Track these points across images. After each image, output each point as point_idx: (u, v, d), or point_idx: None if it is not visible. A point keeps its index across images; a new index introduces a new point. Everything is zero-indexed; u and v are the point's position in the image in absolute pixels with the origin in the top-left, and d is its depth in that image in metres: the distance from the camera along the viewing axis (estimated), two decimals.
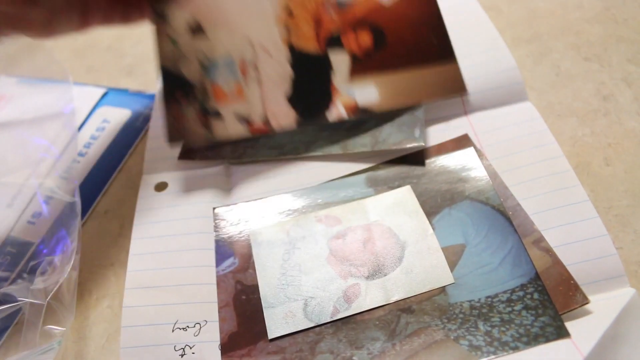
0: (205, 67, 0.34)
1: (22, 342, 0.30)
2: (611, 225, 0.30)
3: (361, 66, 0.35)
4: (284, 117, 0.34)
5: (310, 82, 0.35)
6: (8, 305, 0.31)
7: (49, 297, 0.31)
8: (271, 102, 0.35)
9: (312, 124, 0.34)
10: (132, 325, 0.29)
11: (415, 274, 0.28)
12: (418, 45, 0.35)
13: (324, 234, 0.31)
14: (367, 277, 0.29)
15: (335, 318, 0.27)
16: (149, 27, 0.35)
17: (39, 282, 0.31)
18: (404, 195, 0.31)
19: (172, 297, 0.30)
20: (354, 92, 0.34)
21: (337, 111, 0.34)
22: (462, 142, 0.33)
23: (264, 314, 0.28)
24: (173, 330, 0.29)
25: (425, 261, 0.29)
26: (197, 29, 0.35)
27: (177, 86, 0.34)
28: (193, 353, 0.28)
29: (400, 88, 0.34)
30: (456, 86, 0.34)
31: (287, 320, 0.28)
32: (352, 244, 0.30)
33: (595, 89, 0.36)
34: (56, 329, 0.30)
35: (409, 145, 0.33)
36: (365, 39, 0.35)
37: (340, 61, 0.35)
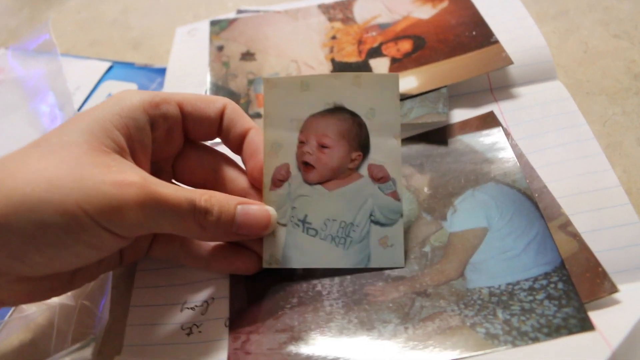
0: (251, 81, 0.38)
1: (53, 346, 0.29)
2: None
3: (400, 64, 0.35)
4: None
5: None
6: (38, 309, 0.30)
7: (81, 298, 0.30)
8: None
9: None
10: (141, 305, 0.28)
11: None
12: (459, 40, 0.35)
13: None
14: None
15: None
16: None
17: None
18: None
19: (183, 277, 0.29)
20: None
21: None
22: (488, 120, 0.32)
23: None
24: (181, 310, 0.28)
25: None
26: (247, 54, 0.40)
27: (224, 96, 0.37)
28: (200, 332, 0.27)
29: (441, 73, 0.33)
30: (500, 60, 0.32)
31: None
32: None
33: (626, 67, 0.34)
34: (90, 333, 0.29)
35: (432, 120, 0.31)
36: (405, 46, 0.36)
37: (379, 64, 0.36)
